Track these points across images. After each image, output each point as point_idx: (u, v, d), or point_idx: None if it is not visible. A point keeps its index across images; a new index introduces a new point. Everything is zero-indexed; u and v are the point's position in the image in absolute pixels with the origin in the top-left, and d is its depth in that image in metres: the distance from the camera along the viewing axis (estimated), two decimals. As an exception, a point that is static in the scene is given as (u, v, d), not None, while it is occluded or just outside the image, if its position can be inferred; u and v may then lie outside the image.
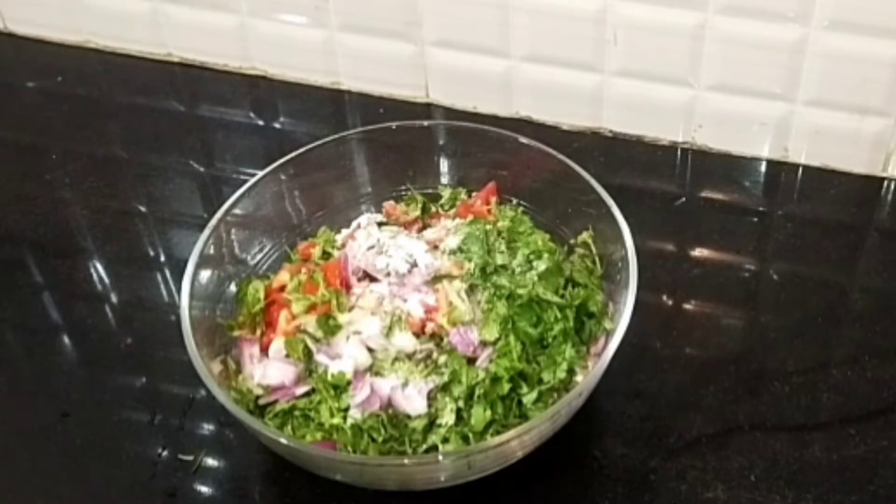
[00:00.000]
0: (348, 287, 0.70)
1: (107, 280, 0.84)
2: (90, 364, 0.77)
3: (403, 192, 0.81)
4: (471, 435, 0.64)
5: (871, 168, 0.88)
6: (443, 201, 0.80)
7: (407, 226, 0.78)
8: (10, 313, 0.81)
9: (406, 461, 0.64)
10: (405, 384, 0.66)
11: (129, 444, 0.72)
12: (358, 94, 1.00)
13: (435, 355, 0.67)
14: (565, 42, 0.89)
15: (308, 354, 0.68)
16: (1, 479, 0.70)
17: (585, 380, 0.64)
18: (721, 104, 0.89)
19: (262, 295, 0.72)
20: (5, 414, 0.74)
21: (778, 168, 0.91)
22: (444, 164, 0.82)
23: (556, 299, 0.68)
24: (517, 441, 0.62)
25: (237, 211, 0.74)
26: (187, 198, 0.91)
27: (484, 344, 0.67)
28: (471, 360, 0.67)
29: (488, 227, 0.74)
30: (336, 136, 0.79)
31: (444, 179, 0.82)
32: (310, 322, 0.68)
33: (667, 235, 0.85)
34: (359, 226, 0.78)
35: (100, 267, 0.85)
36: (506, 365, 0.65)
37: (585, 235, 0.75)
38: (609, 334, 0.67)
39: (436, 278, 0.71)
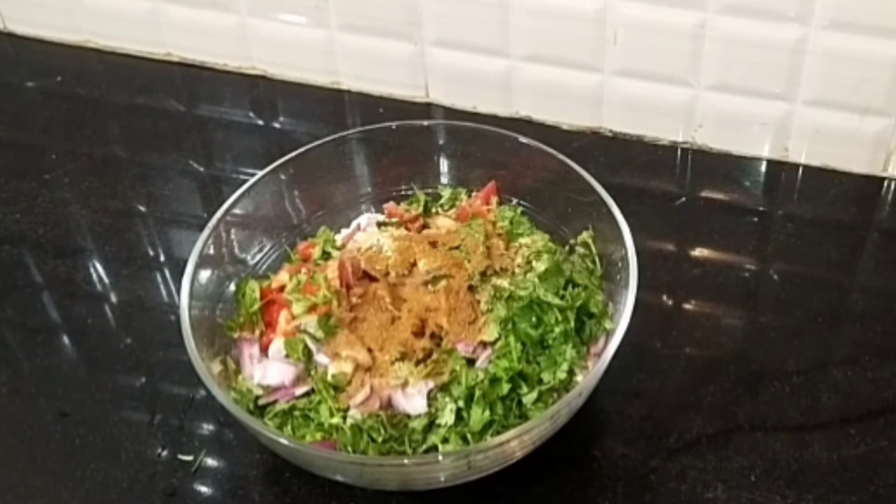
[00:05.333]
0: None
1: (107, 280, 0.84)
2: (90, 364, 0.77)
3: (403, 192, 0.81)
4: (470, 435, 0.64)
5: (872, 168, 0.88)
6: (443, 201, 0.80)
7: (408, 224, 0.78)
8: (10, 313, 0.81)
9: (406, 461, 0.64)
10: (405, 384, 0.66)
11: (128, 444, 0.72)
12: (358, 93, 1.00)
13: (435, 355, 0.67)
14: (565, 42, 0.89)
15: (308, 354, 0.68)
16: (1, 479, 0.70)
17: (585, 380, 0.64)
18: (721, 104, 0.89)
19: (257, 295, 0.72)
20: (5, 414, 0.74)
21: (778, 168, 0.91)
22: (444, 164, 0.82)
23: (556, 301, 0.68)
24: (517, 441, 0.62)
25: (237, 211, 0.74)
26: (187, 198, 0.91)
27: (484, 344, 0.68)
28: (471, 361, 0.67)
29: (488, 227, 0.74)
30: (336, 135, 0.79)
31: (444, 179, 0.82)
32: (310, 322, 0.68)
33: (667, 235, 0.85)
34: (359, 226, 0.78)
35: (100, 267, 0.85)
36: (505, 366, 0.65)
37: (585, 235, 0.75)
38: (609, 334, 0.67)
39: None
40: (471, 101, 0.97)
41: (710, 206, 0.89)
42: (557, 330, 0.67)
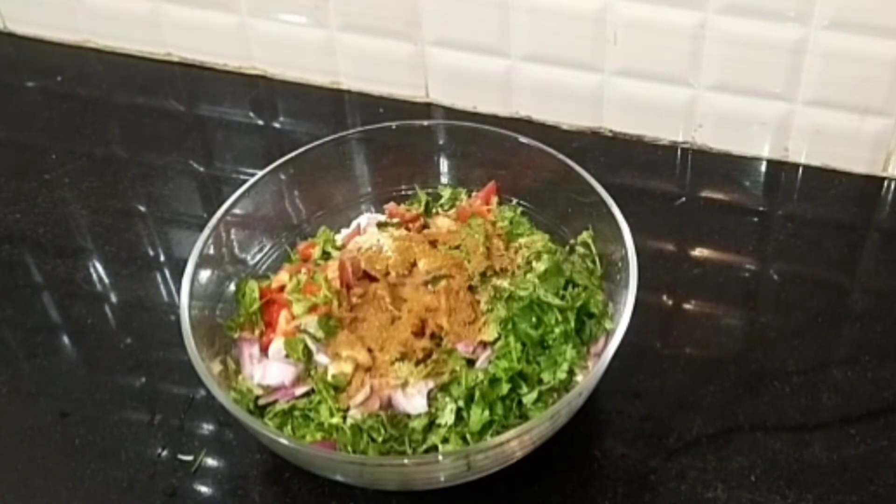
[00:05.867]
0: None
1: (107, 280, 0.84)
2: (90, 364, 0.77)
3: (404, 192, 0.81)
4: (469, 435, 0.64)
5: (872, 168, 0.88)
6: (443, 201, 0.80)
7: (408, 224, 0.77)
8: (10, 313, 0.81)
9: (406, 461, 0.64)
10: (405, 384, 0.66)
11: (128, 443, 0.72)
12: (358, 93, 1.00)
13: (435, 355, 0.67)
14: (565, 42, 0.89)
15: (308, 354, 0.68)
16: (1, 479, 0.70)
17: (585, 380, 0.64)
18: (721, 104, 0.89)
19: (257, 294, 0.72)
20: (5, 414, 0.74)
21: (778, 168, 0.91)
22: (444, 164, 0.82)
23: (557, 301, 0.68)
24: (517, 441, 0.62)
25: (237, 211, 0.74)
26: (187, 198, 0.91)
27: (484, 344, 0.67)
28: (471, 361, 0.67)
29: (488, 227, 0.74)
30: (336, 135, 0.79)
31: (444, 179, 0.82)
32: (310, 322, 0.68)
33: (667, 235, 0.85)
34: (359, 226, 0.78)
35: (100, 267, 0.85)
36: (505, 366, 0.65)
37: (585, 235, 0.75)
38: (609, 334, 0.67)
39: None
40: (471, 101, 0.97)
41: (710, 206, 0.89)
42: (557, 330, 0.67)
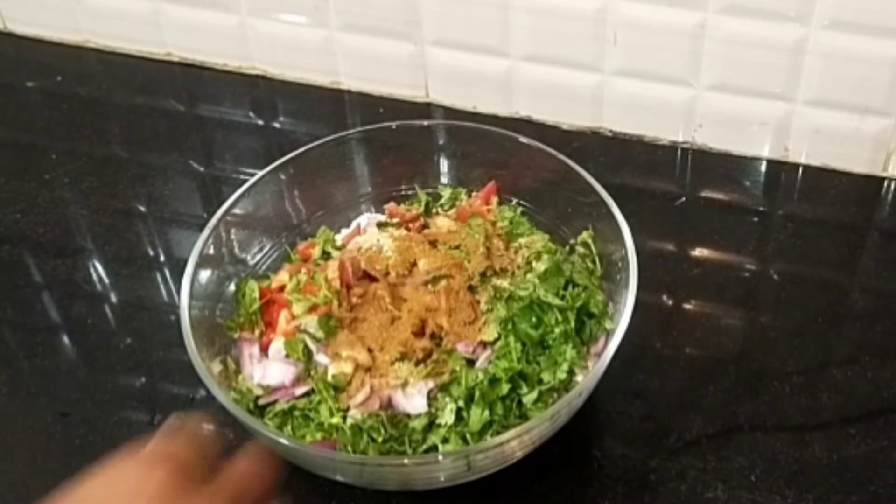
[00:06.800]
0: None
1: (107, 280, 0.84)
2: (90, 364, 0.77)
3: (404, 192, 0.81)
4: (469, 435, 0.64)
5: (872, 168, 0.88)
6: (443, 201, 0.80)
7: (408, 224, 0.77)
8: (10, 313, 0.81)
9: (406, 461, 0.64)
10: (405, 384, 0.66)
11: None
12: (358, 93, 1.00)
13: (435, 355, 0.67)
14: (565, 42, 0.89)
15: (308, 354, 0.68)
16: (1, 479, 0.70)
17: (585, 380, 0.64)
18: (721, 104, 0.89)
19: (257, 294, 0.72)
20: (5, 414, 0.74)
21: (778, 168, 0.91)
22: (444, 164, 0.82)
23: (557, 301, 0.68)
24: (517, 441, 0.62)
25: (237, 211, 0.74)
26: (187, 198, 0.91)
27: (484, 344, 0.67)
28: (471, 361, 0.67)
29: (488, 227, 0.74)
30: (336, 135, 0.79)
31: (444, 179, 0.82)
32: (310, 322, 0.68)
33: (667, 235, 0.85)
34: (359, 226, 0.78)
35: (100, 267, 0.85)
36: (505, 366, 0.65)
37: (585, 235, 0.75)
38: (609, 334, 0.67)
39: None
40: (471, 101, 0.97)
41: (710, 206, 0.89)
42: (557, 330, 0.67)
